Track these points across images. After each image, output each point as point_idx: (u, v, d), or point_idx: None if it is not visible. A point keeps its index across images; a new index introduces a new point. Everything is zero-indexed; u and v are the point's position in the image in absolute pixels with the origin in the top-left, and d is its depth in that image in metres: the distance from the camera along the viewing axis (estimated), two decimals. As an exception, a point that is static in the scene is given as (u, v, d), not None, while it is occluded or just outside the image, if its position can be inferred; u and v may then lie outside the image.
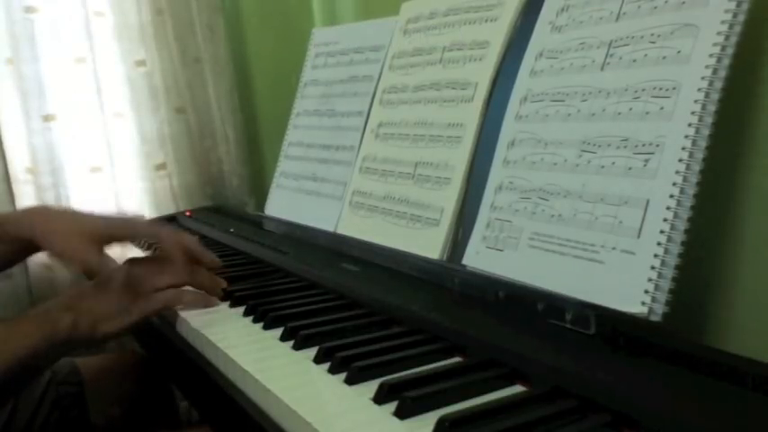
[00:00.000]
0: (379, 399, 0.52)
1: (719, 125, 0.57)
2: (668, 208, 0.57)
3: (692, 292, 0.63)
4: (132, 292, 0.75)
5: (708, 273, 0.66)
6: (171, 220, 1.48)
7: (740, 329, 0.64)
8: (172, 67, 1.53)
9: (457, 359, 0.61)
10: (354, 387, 0.55)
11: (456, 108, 0.86)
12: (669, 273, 0.56)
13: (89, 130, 1.45)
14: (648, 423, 0.45)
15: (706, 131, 0.57)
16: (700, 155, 0.57)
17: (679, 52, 0.60)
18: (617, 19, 0.67)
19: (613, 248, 0.60)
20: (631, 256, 0.58)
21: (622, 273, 0.59)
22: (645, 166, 0.60)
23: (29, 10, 1.36)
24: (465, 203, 0.81)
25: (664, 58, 0.62)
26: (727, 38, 0.57)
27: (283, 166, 1.22)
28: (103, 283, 0.77)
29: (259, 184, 1.61)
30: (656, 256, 0.57)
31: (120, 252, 1.20)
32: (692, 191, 0.56)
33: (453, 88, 0.87)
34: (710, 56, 0.58)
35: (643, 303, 0.56)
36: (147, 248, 1.21)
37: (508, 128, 0.76)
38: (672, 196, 0.57)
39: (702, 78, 0.58)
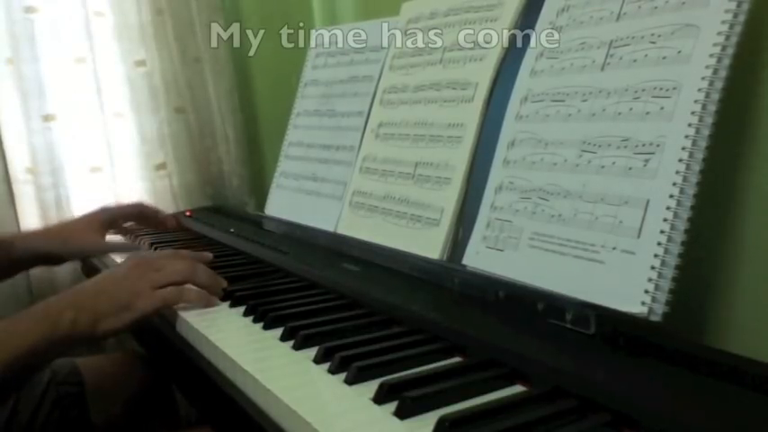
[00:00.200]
0: (379, 399, 0.52)
1: (720, 125, 0.57)
2: (668, 208, 0.57)
3: (692, 292, 0.63)
4: (133, 289, 0.75)
5: (708, 273, 0.66)
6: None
7: (740, 329, 0.64)
8: (172, 67, 1.53)
9: (457, 359, 0.61)
10: (354, 387, 0.55)
11: (456, 108, 0.86)
12: (669, 273, 0.56)
13: (89, 130, 1.45)
14: (648, 423, 0.45)
15: (706, 132, 0.57)
16: (700, 155, 0.57)
17: (679, 52, 0.60)
18: (617, 19, 0.67)
19: (613, 248, 0.60)
20: (631, 256, 0.58)
21: (622, 273, 0.59)
22: (645, 166, 0.60)
23: (29, 10, 1.36)
24: (465, 203, 0.81)
25: (664, 58, 0.62)
26: (727, 38, 0.57)
27: (283, 166, 1.22)
28: (104, 281, 0.77)
29: (259, 184, 1.61)
30: (656, 256, 0.57)
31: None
32: (692, 191, 0.56)
33: (454, 88, 0.87)
34: (711, 56, 0.58)
35: (643, 303, 0.56)
36: (147, 248, 1.21)
37: (508, 128, 0.76)
38: (672, 196, 0.57)
39: (703, 78, 0.58)
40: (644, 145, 0.61)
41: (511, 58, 0.81)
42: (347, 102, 1.09)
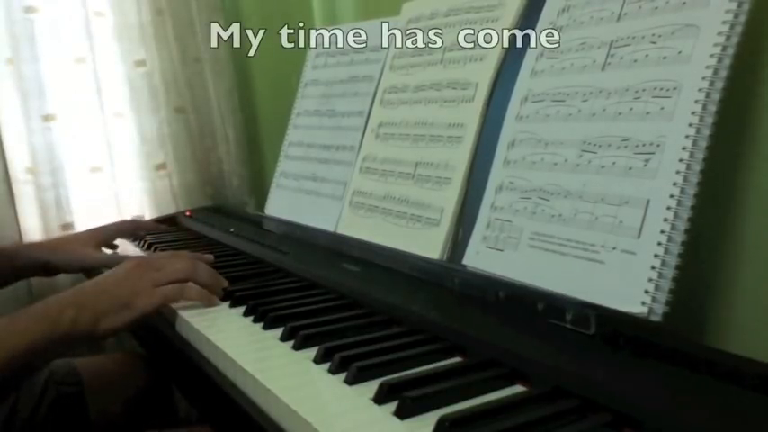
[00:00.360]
0: (380, 399, 0.52)
1: (720, 125, 0.57)
2: (668, 208, 0.57)
3: (692, 292, 0.63)
4: (134, 288, 0.75)
5: (708, 273, 0.66)
6: (171, 220, 1.48)
7: (740, 329, 0.64)
8: (172, 67, 1.53)
9: (457, 359, 0.61)
10: (354, 387, 0.55)
11: (456, 108, 0.86)
12: (669, 273, 0.56)
13: (89, 130, 1.45)
14: (649, 423, 0.45)
15: (706, 132, 0.57)
16: (700, 155, 0.57)
17: (680, 52, 0.60)
18: (618, 19, 0.67)
19: (614, 248, 0.60)
20: (632, 256, 0.58)
21: (622, 273, 0.59)
22: (645, 166, 0.60)
23: (29, 10, 1.36)
24: (465, 203, 0.81)
25: (664, 58, 0.62)
26: (727, 38, 0.57)
27: (283, 166, 1.22)
28: (105, 280, 0.77)
29: (259, 184, 1.61)
30: (656, 256, 0.57)
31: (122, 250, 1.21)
32: (692, 191, 0.56)
33: (454, 88, 0.87)
34: (711, 56, 0.58)
35: (643, 303, 0.56)
36: (147, 248, 1.21)
37: (509, 128, 0.76)
38: (672, 196, 0.57)
39: (703, 78, 0.58)
40: (644, 145, 0.61)
41: (511, 59, 0.81)
42: (347, 102, 1.09)
